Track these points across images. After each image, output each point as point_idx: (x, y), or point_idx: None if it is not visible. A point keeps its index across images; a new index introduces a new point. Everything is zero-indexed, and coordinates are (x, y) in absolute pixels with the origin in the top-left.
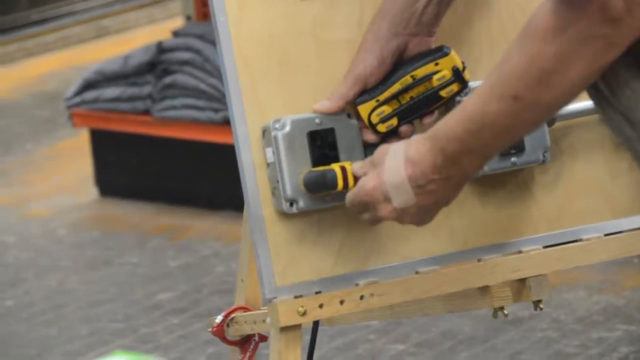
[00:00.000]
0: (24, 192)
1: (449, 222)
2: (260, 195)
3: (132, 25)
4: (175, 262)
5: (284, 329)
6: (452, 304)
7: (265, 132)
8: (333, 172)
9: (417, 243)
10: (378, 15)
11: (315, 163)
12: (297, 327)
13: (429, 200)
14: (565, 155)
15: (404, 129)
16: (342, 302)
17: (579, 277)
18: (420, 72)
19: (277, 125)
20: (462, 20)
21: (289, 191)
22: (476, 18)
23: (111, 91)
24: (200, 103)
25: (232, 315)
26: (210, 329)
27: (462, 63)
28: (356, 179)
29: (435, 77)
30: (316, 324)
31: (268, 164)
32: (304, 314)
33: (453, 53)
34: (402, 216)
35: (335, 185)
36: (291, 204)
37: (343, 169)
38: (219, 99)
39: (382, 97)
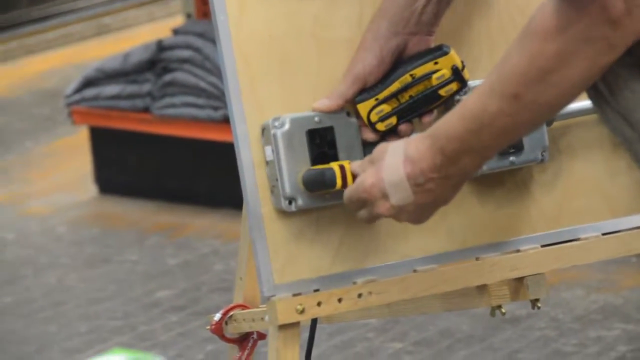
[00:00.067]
0: (24, 190)
1: (447, 220)
2: (259, 193)
3: (133, 23)
4: (174, 260)
5: (283, 327)
6: (450, 303)
7: (264, 130)
8: (332, 170)
9: (415, 241)
10: (378, 14)
11: (314, 161)
12: (295, 325)
13: (427, 198)
14: (564, 155)
15: (403, 127)
16: (340, 300)
17: (577, 276)
18: (419, 71)
19: (276, 124)
20: (462, 20)
21: (287, 189)
22: (476, 18)
23: (111, 89)
24: (200, 101)
25: (231, 313)
26: (208, 327)
27: (462, 62)
28: (355, 177)
29: (435, 76)
30: (314, 321)
31: (267, 162)
32: (302, 311)
33: (452, 52)
34: (400, 214)
35: (334, 183)
36: (290, 202)
37: (342, 167)
38: (218, 97)
39: (381, 96)
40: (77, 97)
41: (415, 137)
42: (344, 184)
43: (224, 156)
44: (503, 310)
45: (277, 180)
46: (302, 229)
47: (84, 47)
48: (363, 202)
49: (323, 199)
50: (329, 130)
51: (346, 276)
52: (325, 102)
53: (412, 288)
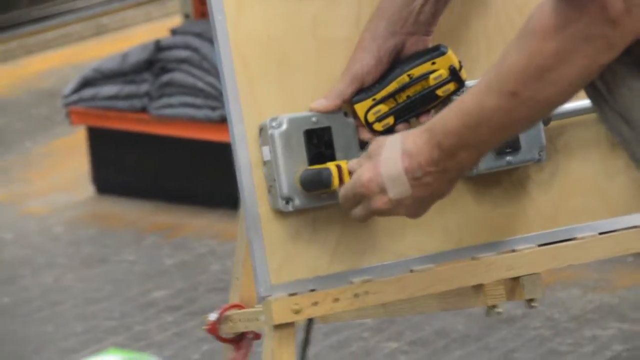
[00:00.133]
0: (21, 190)
1: (443, 220)
2: (256, 194)
3: (131, 23)
4: (171, 260)
5: (278, 327)
6: (446, 302)
7: (262, 130)
8: (329, 170)
9: (411, 241)
10: (376, 14)
11: (312, 161)
12: (291, 324)
13: (424, 192)
14: (561, 154)
15: (400, 127)
16: (336, 300)
17: (573, 276)
18: (417, 71)
19: (273, 124)
20: (460, 20)
21: (285, 189)
22: (473, 17)
23: (109, 89)
24: (198, 101)
25: (227, 313)
26: (204, 327)
27: (459, 62)
28: (352, 176)
29: (432, 76)
30: (310, 321)
31: (264, 162)
32: (298, 311)
33: (450, 52)
34: (397, 208)
35: (330, 183)
36: (287, 202)
37: (339, 167)
38: (216, 97)
39: (378, 96)
40: (74, 97)
41: (412, 131)
42: (341, 184)
43: (221, 156)
44: (499, 310)
45: (274, 180)
46: (299, 229)
47: (83, 47)
48: (360, 198)
49: (320, 199)
50: (327, 130)
51: (342, 276)
52: (323, 102)
53: (409, 288)
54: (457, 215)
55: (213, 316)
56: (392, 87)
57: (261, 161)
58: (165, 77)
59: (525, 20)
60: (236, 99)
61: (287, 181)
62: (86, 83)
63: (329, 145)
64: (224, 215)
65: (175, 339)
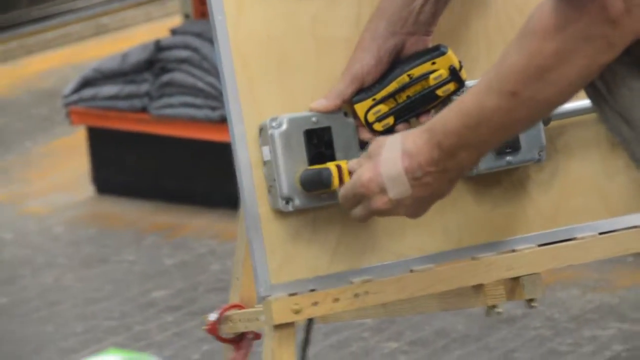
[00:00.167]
0: (21, 190)
1: (443, 220)
2: (256, 194)
3: (131, 23)
4: (171, 260)
5: (278, 327)
6: (446, 302)
7: (262, 130)
8: (329, 170)
9: (411, 241)
10: (376, 14)
11: (312, 161)
12: (291, 324)
13: (424, 192)
14: (561, 154)
15: (400, 128)
16: (336, 300)
17: (573, 276)
18: (417, 71)
19: (273, 124)
20: (460, 20)
21: (285, 189)
22: (473, 17)
23: (109, 89)
24: (198, 101)
25: (227, 313)
26: (204, 327)
27: (459, 62)
28: (352, 176)
29: (432, 76)
30: (310, 321)
31: (264, 162)
32: (298, 311)
33: (450, 52)
34: (397, 208)
35: (330, 183)
36: (287, 202)
37: (339, 167)
38: (216, 97)
39: (378, 96)
40: (74, 97)
41: (412, 131)
42: (341, 184)
43: (221, 156)
44: (499, 310)
45: (274, 180)
46: (299, 229)
47: (83, 47)
48: (360, 198)
49: (320, 199)
50: (327, 130)
51: (342, 276)
52: (323, 102)
53: (409, 288)
54: (457, 215)
55: (213, 316)
56: (392, 87)
57: (261, 161)
58: (166, 77)
59: (525, 20)
60: (236, 99)
61: (287, 181)
62: (86, 83)
63: (329, 145)
64: (224, 215)
65: (175, 339)
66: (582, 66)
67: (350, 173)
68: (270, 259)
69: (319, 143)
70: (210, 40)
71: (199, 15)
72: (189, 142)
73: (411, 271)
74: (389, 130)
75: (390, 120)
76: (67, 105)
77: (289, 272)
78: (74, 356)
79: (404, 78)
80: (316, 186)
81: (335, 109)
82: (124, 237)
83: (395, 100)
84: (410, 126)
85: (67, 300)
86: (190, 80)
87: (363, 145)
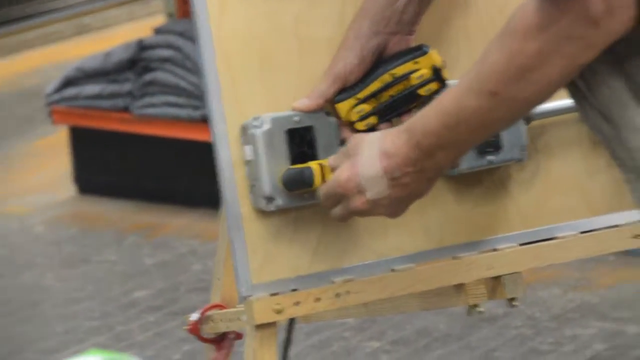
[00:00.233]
0: (2, 189)
1: (424, 219)
2: (238, 193)
3: (113, 22)
4: (152, 260)
5: (260, 327)
6: (427, 302)
7: (244, 129)
8: (310, 170)
9: (393, 241)
10: (359, 14)
11: (294, 161)
12: (272, 324)
13: (402, 192)
14: (542, 153)
15: (382, 127)
16: (318, 300)
17: (554, 275)
18: (399, 71)
19: (255, 123)
20: (441, 19)
21: (267, 189)
22: (454, 17)
23: (91, 88)
24: (180, 100)
25: (208, 313)
26: (185, 327)
27: (442, 62)
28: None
29: (414, 75)
30: (292, 321)
31: (246, 162)
32: (279, 311)
33: (432, 52)
34: (375, 208)
35: (312, 182)
36: (269, 202)
37: (321, 166)
38: (198, 97)
39: (361, 95)
40: (57, 96)
41: (390, 131)
42: (323, 183)
43: (203, 156)
44: (480, 309)
45: (256, 179)
46: (280, 228)
47: (65, 47)
48: (339, 198)
49: (302, 199)
50: (309, 129)
51: (324, 276)
52: (305, 101)
53: (390, 287)
54: (438, 214)
55: (194, 316)
56: (375, 86)
57: (243, 160)
58: (148, 77)
59: (506, 20)
60: (218, 98)
61: (269, 180)
62: (68, 82)
63: (311, 144)
64: (205, 215)
65: (157, 339)
66: (562, 66)
67: (333, 171)
68: (252, 258)
69: (301, 142)
70: (192, 39)
71: (182, 14)
72: (171, 142)
73: (392, 271)
74: (372, 130)
75: (372, 120)
76: (49, 104)
77: (271, 272)
78: (55, 356)
79: (386, 77)
80: (298, 185)
81: (318, 108)
82: (105, 237)
83: (378, 99)
84: (392, 125)
85: (47, 300)
86: (172, 79)
87: (345, 144)
